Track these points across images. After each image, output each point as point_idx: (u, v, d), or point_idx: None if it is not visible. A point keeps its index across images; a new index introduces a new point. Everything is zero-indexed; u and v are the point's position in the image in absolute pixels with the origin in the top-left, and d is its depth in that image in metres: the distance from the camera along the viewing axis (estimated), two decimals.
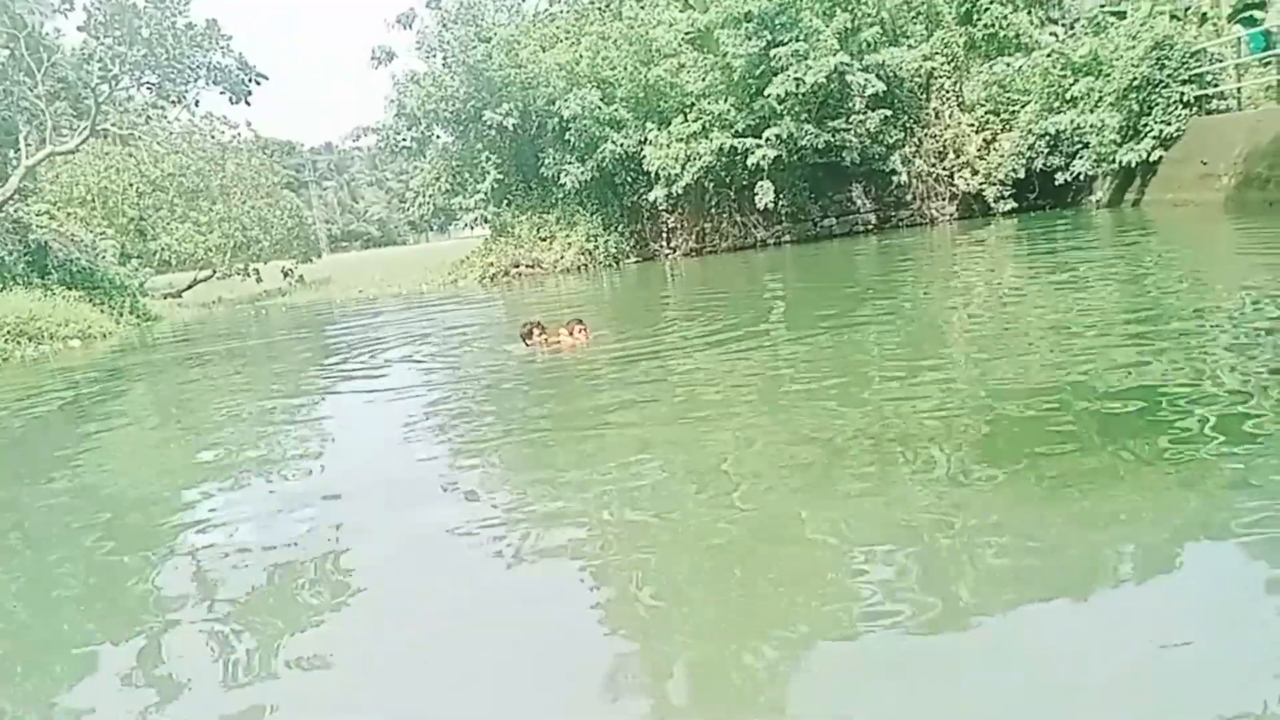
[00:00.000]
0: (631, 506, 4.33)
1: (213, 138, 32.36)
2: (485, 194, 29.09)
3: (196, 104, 25.41)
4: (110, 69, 22.31)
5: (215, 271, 34.87)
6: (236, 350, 15.17)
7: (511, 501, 4.72)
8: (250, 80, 24.71)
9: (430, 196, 31.88)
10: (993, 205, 26.37)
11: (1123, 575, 3.29)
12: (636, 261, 28.07)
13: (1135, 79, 21.38)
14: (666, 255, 28.56)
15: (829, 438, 5.13)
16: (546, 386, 7.95)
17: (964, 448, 4.68)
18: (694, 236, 28.52)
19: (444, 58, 28.15)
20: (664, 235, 28.84)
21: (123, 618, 3.93)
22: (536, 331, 9.56)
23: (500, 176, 28.84)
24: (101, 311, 21.20)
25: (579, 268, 27.24)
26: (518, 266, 27.46)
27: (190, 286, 34.40)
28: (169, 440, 7.87)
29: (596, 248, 27.60)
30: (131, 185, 30.82)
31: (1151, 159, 21.12)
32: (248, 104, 25.31)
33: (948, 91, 27.77)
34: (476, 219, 31.08)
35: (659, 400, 6.67)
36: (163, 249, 32.77)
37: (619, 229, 28.33)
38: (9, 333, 17.20)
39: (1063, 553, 3.44)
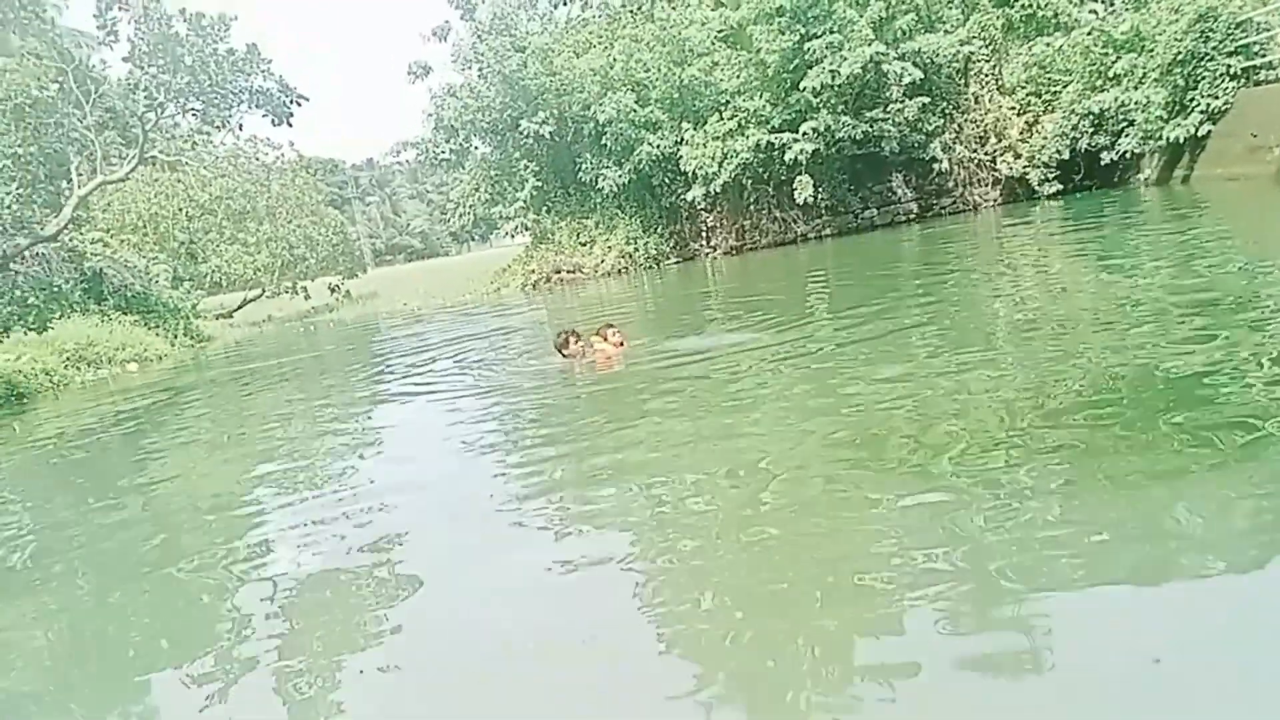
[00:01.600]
0: (684, 522, 4.22)
1: (257, 159, 32.93)
2: (524, 202, 29.31)
3: (240, 127, 25.83)
4: (156, 97, 22.79)
5: (264, 290, 35.50)
6: (287, 368, 15.39)
7: (563, 516, 4.69)
8: (291, 102, 25.07)
9: (470, 207, 32.16)
10: (1037, 188, 25.90)
11: (1193, 567, 3.17)
12: (677, 262, 28.06)
13: (1179, 53, 20.86)
14: (707, 254, 28.49)
15: (881, 434, 5.06)
16: (589, 396, 7.83)
17: (1020, 438, 4.57)
18: (734, 234, 28.44)
19: (479, 69, 28.37)
20: (703, 234, 28.79)
21: (186, 636, 3.98)
22: (572, 341, 9.28)
23: (539, 184, 29.05)
24: (156, 334, 21.67)
25: (620, 271, 27.30)
26: (559, 272, 27.63)
27: (241, 306, 35.05)
28: (227, 460, 7.98)
29: (636, 250, 27.69)
30: (181, 210, 31.50)
31: (1200, 134, 20.60)
32: (290, 125, 25.69)
33: (987, 75, 27.32)
34: (517, 227, 31.30)
35: (704, 406, 6.54)
36: (213, 271, 33.44)
37: (658, 230, 28.40)
38: (69, 358, 17.64)
39: (1129, 545, 3.34)
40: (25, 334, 18.26)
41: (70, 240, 23.52)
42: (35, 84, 20.07)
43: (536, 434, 6.70)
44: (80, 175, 22.93)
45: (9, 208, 19.94)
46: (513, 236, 33.88)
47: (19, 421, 12.82)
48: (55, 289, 21.46)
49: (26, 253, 21.36)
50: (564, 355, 9.22)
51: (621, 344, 9.27)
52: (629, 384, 8.11)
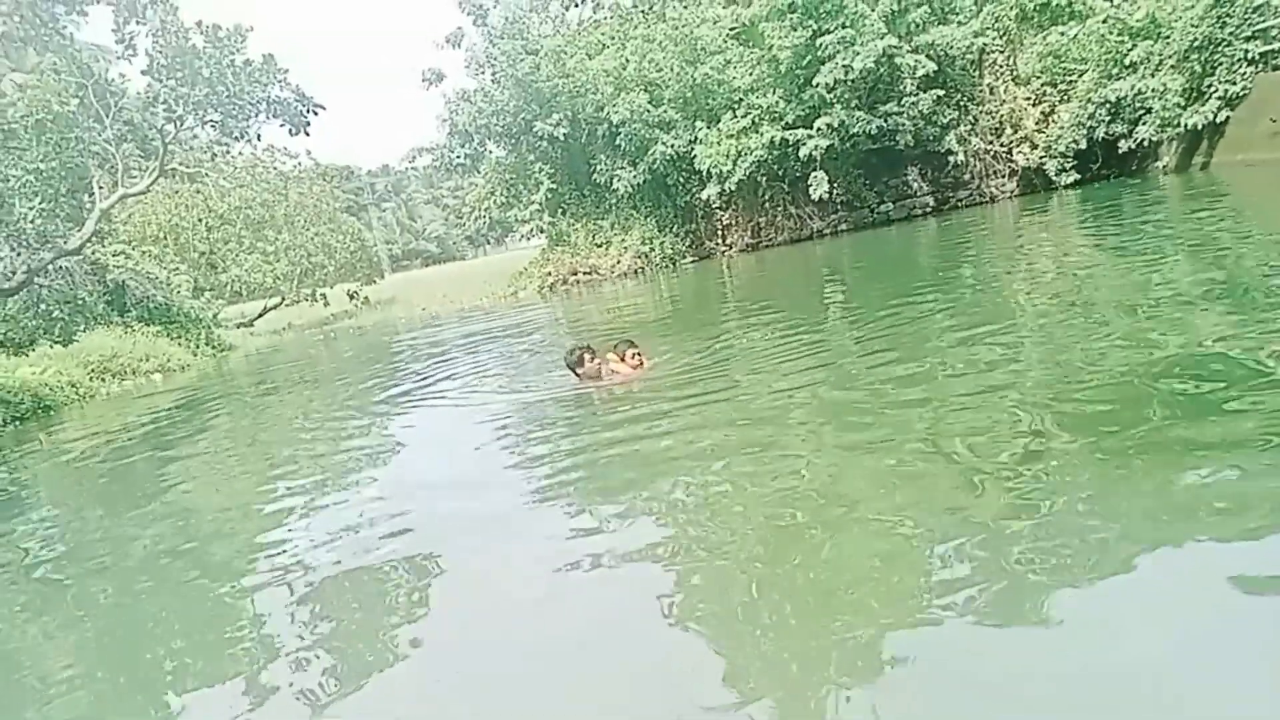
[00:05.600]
0: (708, 547, 4.08)
1: (275, 169, 33.12)
2: (540, 204, 29.42)
3: (258, 137, 25.97)
4: (174, 110, 22.94)
5: (284, 299, 35.71)
6: (307, 376, 15.48)
7: (582, 533, 4.64)
8: (308, 111, 25.17)
9: (486, 210, 32.30)
10: (1055, 178, 25.75)
11: (1225, 560, 3.11)
12: (693, 261, 28.06)
13: (1196, 39, 20.68)
14: (723, 252, 28.48)
15: (905, 441, 5.02)
16: (607, 415, 7.31)
17: (1044, 434, 4.53)
18: (749, 232, 28.45)
19: (493, 73, 28.48)
20: (719, 233, 28.80)
21: (211, 641, 4.01)
22: (588, 358, 8.45)
23: (553, 186, 29.12)
24: (179, 345, 21.86)
25: (636, 271, 27.32)
26: (575, 274, 27.71)
27: (261, 315, 35.28)
28: (249, 470, 8.04)
29: (652, 250, 27.72)
30: (201, 221, 31.75)
31: (1218, 120, 20.43)
32: (307, 134, 25.80)
33: (1001, 66, 27.19)
34: (532, 230, 31.44)
35: (729, 425, 6.24)
36: (233, 280, 33.67)
37: (673, 230, 28.44)
38: (94, 370, 17.84)
39: (1159, 536, 3.31)
40: (51, 347, 18.47)
41: (93, 253, 23.74)
42: (56, 99, 20.25)
43: (550, 451, 6.49)
44: (101, 189, 23.14)
45: (32, 222, 20.15)
46: (528, 239, 34.03)
47: (47, 433, 12.96)
48: (79, 302, 21.69)
49: (50, 267, 21.58)
50: (578, 375, 8.49)
51: (641, 364, 8.57)
52: (648, 402, 7.51)
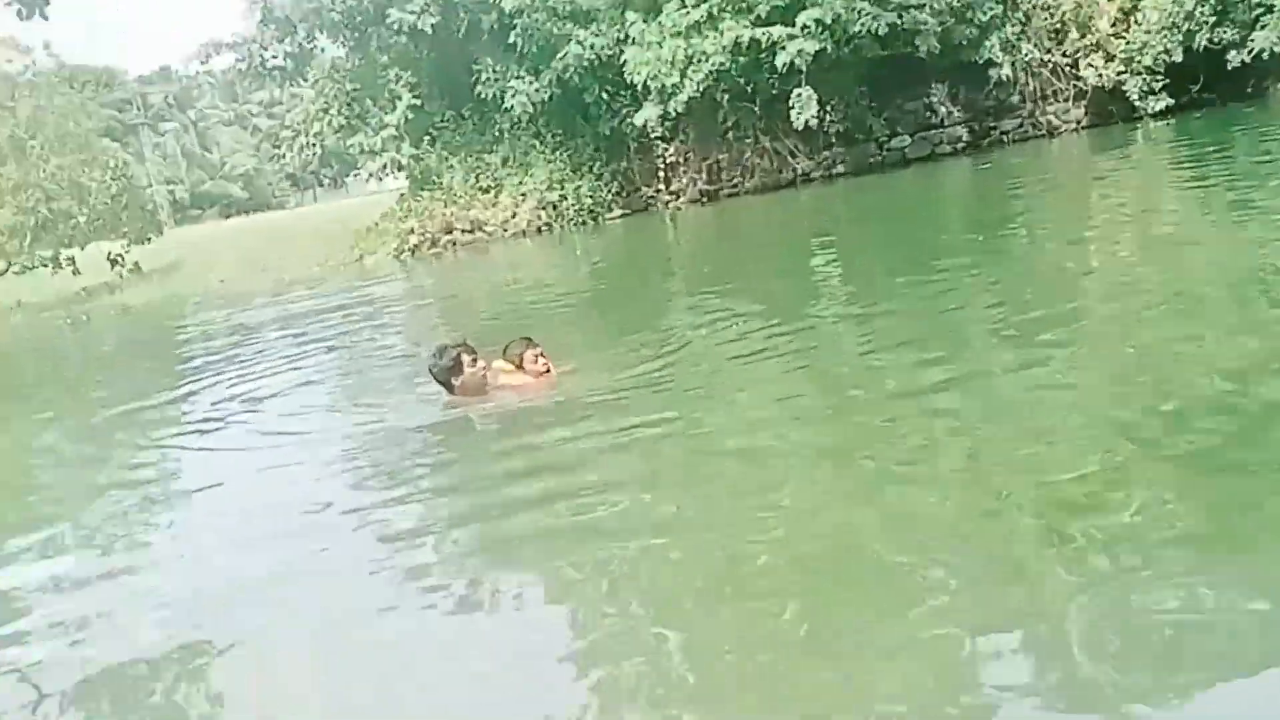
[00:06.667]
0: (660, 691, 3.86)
1: None
2: (397, 128, 29.04)
3: None
4: None
5: (9, 264, 34.68)
6: (44, 382, 15.07)
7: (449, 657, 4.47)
8: None
9: (317, 137, 31.82)
10: (1138, 104, 26.23)
11: None
12: (623, 215, 28.06)
13: None
14: (666, 203, 28.48)
15: (933, 486, 5.09)
16: (497, 451, 7.06)
17: (1125, 472, 4.62)
18: (705, 175, 28.49)
19: None
20: (660, 175, 28.74)
21: None
22: (467, 362, 7.99)
23: (417, 102, 28.79)
24: None
25: (539, 229, 27.19)
26: (450, 233, 27.46)
27: None
28: None
29: (563, 199, 27.58)
30: None
31: None
32: (44, 17, 25.17)
33: None
34: (386, 165, 30.95)
35: (681, 468, 6.08)
36: None
37: (594, 170, 28.33)
38: None
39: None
40: None
41: None
42: None
43: (409, 515, 6.11)
44: None
45: None
46: (380, 179, 33.56)
47: None
48: None
49: None
50: (451, 388, 8.11)
51: (546, 372, 8.27)
52: (561, 431, 7.11)
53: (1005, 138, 28.09)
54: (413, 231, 27.74)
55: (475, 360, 8.04)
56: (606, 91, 27.76)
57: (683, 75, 26.20)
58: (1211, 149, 18.08)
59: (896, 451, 5.53)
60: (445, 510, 6.01)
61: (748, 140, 28.08)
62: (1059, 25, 27.55)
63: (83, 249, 35.39)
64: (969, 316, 8.52)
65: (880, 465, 5.38)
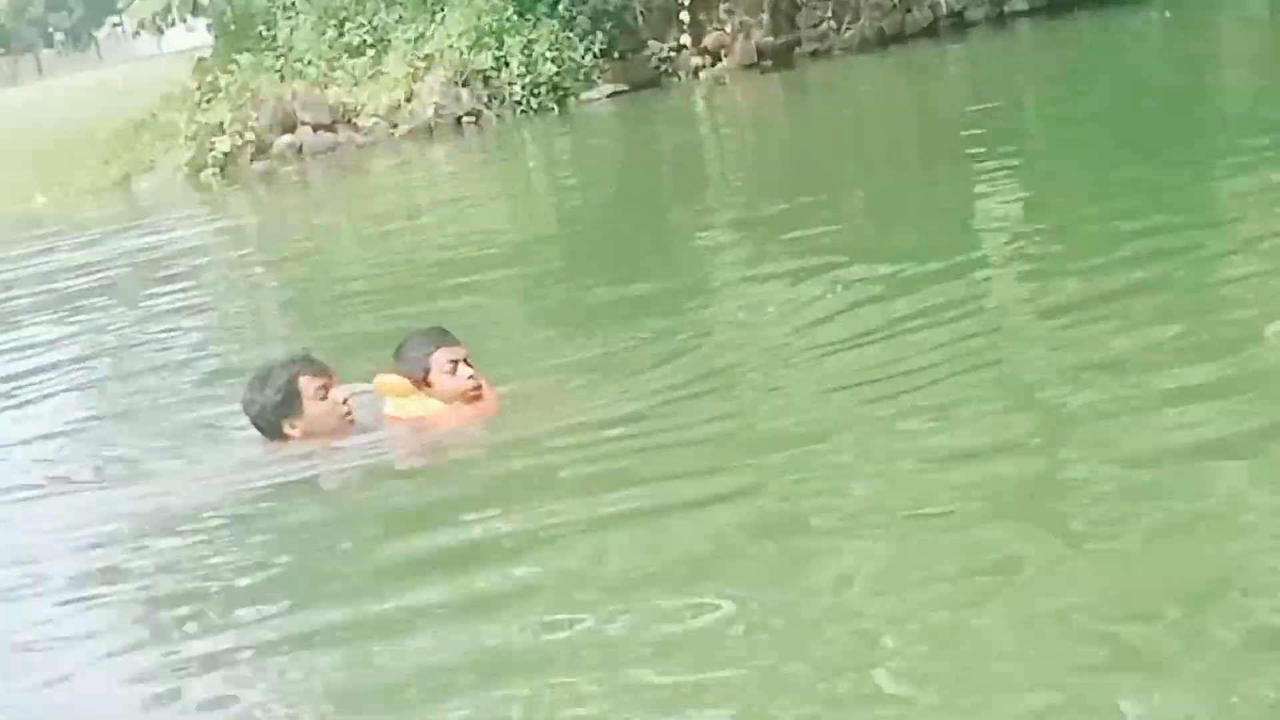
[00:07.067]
0: None
1: None
2: None
3: None
4: None
5: None
6: None
7: None
8: None
9: None
10: None
11: None
12: (614, 95, 21.46)
13: None
14: (697, 71, 21.79)
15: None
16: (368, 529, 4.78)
17: None
18: (767, 20, 21.77)
19: None
20: (679, 23, 21.98)
21: None
22: (309, 389, 5.80)
23: None
24: None
25: (459, 121, 20.56)
26: (293, 131, 20.78)
27: None
28: None
29: (503, 65, 20.81)
30: None
31: None
32: None
33: None
34: (169, 9, 25.77)
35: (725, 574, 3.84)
36: None
37: (558, 10, 21.20)
38: None
39: None
40: None
41: None
42: None
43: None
44: None
45: None
46: (158, 34, 28.52)
47: None
48: None
49: None
50: (286, 433, 5.86)
51: (477, 391, 5.89)
52: (508, 513, 4.60)
53: None
54: (222, 130, 20.62)
55: (327, 384, 5.89)
56: None
57: None
58: None
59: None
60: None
61: None
62: None
63: None
64: (1232, 272, 5.87)
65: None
